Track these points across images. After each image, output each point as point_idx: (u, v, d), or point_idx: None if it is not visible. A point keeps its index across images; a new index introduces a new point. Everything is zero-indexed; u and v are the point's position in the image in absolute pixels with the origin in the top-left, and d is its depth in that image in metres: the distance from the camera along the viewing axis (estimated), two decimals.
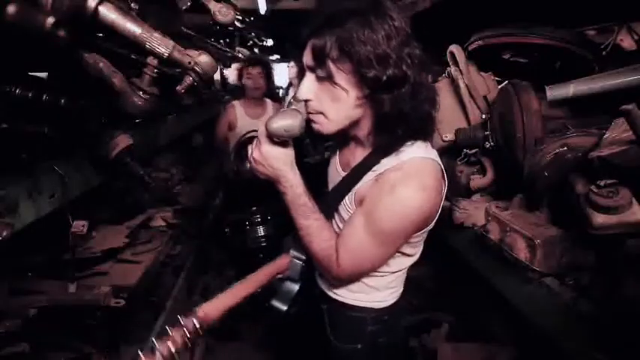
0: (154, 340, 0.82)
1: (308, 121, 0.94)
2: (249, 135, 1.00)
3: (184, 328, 0.85)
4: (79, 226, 1.30)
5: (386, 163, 0.95)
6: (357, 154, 1.03)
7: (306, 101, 0.93)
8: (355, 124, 0.96)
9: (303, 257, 1.11)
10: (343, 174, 1.05)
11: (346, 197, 1.02)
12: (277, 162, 0.94)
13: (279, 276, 1.12)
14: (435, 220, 0.99)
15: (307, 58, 0.90)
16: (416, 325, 2.05)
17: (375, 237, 0.93)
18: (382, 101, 0.87)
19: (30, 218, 0.93)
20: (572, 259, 1.26)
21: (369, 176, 0.97)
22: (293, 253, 1.13)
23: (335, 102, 0.90)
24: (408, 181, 0.89)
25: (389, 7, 0.87)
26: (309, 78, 0.92)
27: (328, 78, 0.88)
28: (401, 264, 1.08)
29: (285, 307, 1.08)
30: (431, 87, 0.94)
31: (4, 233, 0.80)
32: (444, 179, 0.97)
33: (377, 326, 1.13)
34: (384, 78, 0.83)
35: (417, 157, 0.92)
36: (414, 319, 2.03)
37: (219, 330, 2.51)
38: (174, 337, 0.82)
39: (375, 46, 0.82)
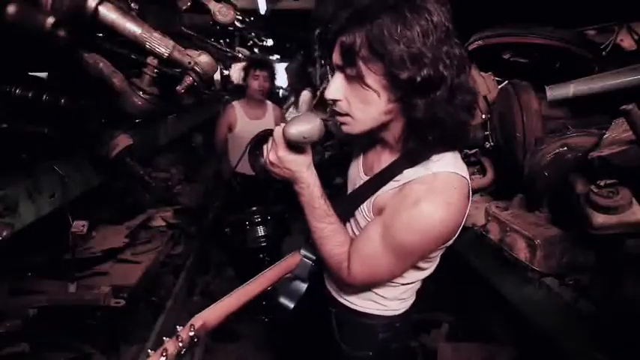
0: (149, 351, 0.81)
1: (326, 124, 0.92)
2: (263, 133, 0.96)
3: (179, 339, 0.83)
4: (79, 226, 1.30)
5: (411, 174, 0.89)
6: (383, 160, 0.97)
7: (334, 101, 0.88)
8: (384, 126, 0.89)
9: (313, 257, 1.10)
10: (365, 178, 1.01)
11: (365, 203, 0.98)
12: (294, 165, 0.91)
13: (288, 275, 1.11)
14: (455, 237, 0.93)
15: (336, 57, 0.84)
16: (416, 325, 2.05)
17: (391, 250, 0.88)
18: (415, 105, 0.80)
19: (30, 218, 0.93)
20: (572, 259, 1.26)
21: (392, 186, 0.92)
22: (303, 252, 1.11)
23: (365, 104, 0.84)
24: (432, 196, 0.84)
25: None
26: (338, 77, 0.86)
27: (358, 78, 0.81)
28: (414, 277, 1.03)
29: (292, 305, 1.05)
30: (470, 90, 0.86)
31: (4, 233, 0.81)
32: (469, 197, 0.90)
33: (388, 333, 1.10)
34: (419, 80, 0.76)
35: (445, 173, 0.86)
36: (414, 318, 2.03)
37: (220, 330, 2.51)
38: (167, 348, 0.81)
39: (409, 44, 0.75)
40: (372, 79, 0.81)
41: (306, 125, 0.85)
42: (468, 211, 0.90)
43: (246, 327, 2.52)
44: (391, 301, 1.07)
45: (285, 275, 1.11)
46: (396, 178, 0.91)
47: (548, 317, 1.25)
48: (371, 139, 1.01)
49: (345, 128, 0.91)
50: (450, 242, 0.94)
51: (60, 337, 1.37)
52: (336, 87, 0.86)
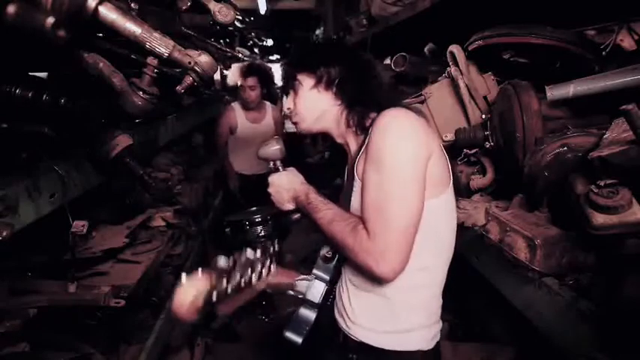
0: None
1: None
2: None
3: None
4: (79, 226, 1.30)
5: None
6: (355, 152, 1.11)
7: (289, 110, 1.15)
8: (329, 121, 1.12)
9: (327, 278, 1.08)
10: (352, 178, 1.09)
11: (354, 185, 1.05)
12: (284, 183, 1.11)
13: (300, 277, 1.13)
14: (433, 151, 0.98)
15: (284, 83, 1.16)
16: None
17: (392, 180, 0.93)
18: (327, 74, 1.08)
19: (30, 218, 0.93)
20: (572, 259, 1.26)
21: (363, 150, 1.04)
22: (316, 272, 1.09)
23: (300, 98, 1.12)
24: (392, 119, 0.98)
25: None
26: (288, 96, 1.16)
27: (293, 86, 1.13)
28: (427, 260, 1.01)
29: (300, 340, 1.02)
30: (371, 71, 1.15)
31: (4, 233, 0.80)
32: (421, 122, 1.03)
33: None
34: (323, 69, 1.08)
35: (393, 109, 1.02)
36: None
37: (219, 330, 2.51)
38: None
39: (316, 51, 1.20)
40: (302, 81, 1.11)
41: (267, 146, 1.16)
42: (426, 131, 1.01)
43: (246, 327, 2.52)
44: (408, 313, 1.02)
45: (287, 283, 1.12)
46: (364, 146, 1.04)
47: (548, 317, 1.25)
48: (342, 151, 1.19)
49: (297, 128, 1.17)
50: (432, 150, 0.98)
51: (60, 337, 1.37)
52: (288, 100, 1.16)
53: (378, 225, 0.92)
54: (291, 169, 1.17)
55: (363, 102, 1.08)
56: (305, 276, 1.15)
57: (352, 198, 1.07)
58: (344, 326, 1.09)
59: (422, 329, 1.04)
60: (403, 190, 0.94)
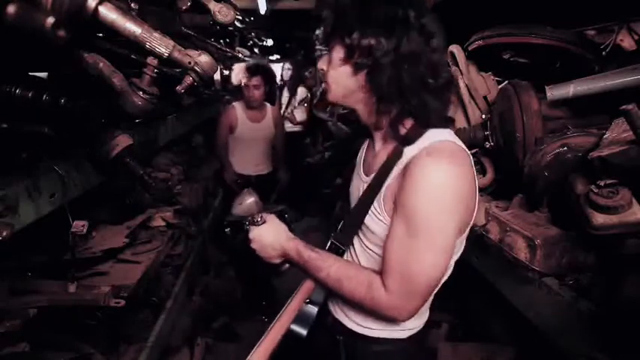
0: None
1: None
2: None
3: None
4: (79, 226, 1.30)
5: (411, 151, 0.89)
6: (380, 156, 0.98)
7: (322, 70, 1.04)
8: (359, 104, 0.97)
9: None
10: (367, 179, 0.99)
11: (374, 203, 0.94)
12: (267, 238, 1.03)
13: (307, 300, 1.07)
14: (474, 214, 0.91)
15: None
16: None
17: (420, 236, 0.83)
18: (362, 65, 0.88)
19: (30, 218, 0.93)
20: (572, 259, 1.26)
21: (396, 171, 0.91)
22: None
23: (334, 70, 0.95)
24: (437, 162, 0.84)
25: None
26: (325, 55, 1.03)
27: (330, 51, 0.96)
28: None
29: (305, 332, 1.00)
30: (432, 63, 0.88)
31: (4, 233, 0.80)
32: (472, 166, 0.90)
33: (402, 358, 1.03)
34: (362, 44, 0.86)
35: (445, 141, 0.88)
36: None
37: (219, 330, 2.51)
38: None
39: (364, 9, 0.87)
40: (335, 49, 0.93)
41: (239, 204, 1.11)
42: (476, 180, 0.90)
43: (246, 327, 2.53)
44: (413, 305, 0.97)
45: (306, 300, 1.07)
46: (399, 162, 0.91)
47: (548, 317, 1.25)
48: (365, 136, 1.06)
49: (327, 96, 1.01)
50: (472, 221, 0.92)
51: (60, 337, 1.37)
52: (322, 60, 1.04)
53: (403, 287, 0.86)
54: (271, 218, 1.06)
55: (400, 104, 0.90)
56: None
57: (362, 203, 0.97)
58: (332, 310, 1.11)
59: (412, 322, 1.03)
60: (436, 259, 0.86)
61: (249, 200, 1.11)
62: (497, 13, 1.63)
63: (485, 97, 1.83)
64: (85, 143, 1.18)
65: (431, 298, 1.01)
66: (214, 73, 1.20)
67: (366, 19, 0.86)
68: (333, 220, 1.20)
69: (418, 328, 1.05)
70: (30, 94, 0.89)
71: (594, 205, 1.09)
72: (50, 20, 0.76)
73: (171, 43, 1.07)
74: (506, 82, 1.66)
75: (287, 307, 1.02)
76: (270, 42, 6.13)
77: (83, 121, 1.08)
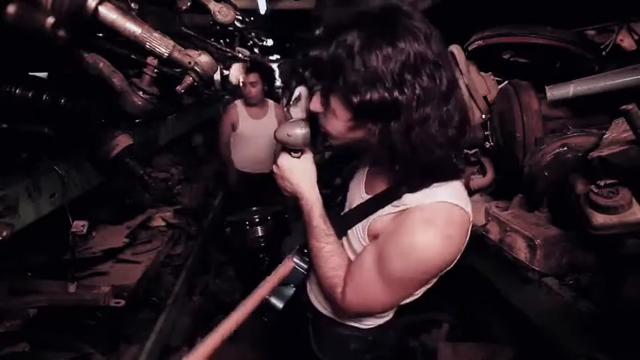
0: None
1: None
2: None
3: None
4: (79, 226, 1.30)
5: (411, 200, 0.85)
6: (384, 181, 0.95)
7: (316, 113, 0.90)
8: (366, 146, 0.88)
9: (306, 267, 1.09)
10: (365, 197, 0.98)
11: (360, 224, 0.95)
12: (293, 175, 0.98)
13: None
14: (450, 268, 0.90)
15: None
16: (416, 325, 2.05)
17: (384, 279, 0.85)
18: (369, 130, 0.79)
19: (30, 218, 0.93)
20: (572, 259, 1.26)
21: (390, 210, 0.89)
22: (296, 260, 1.11)
23: (332, 119, 0.85)
24: (430, 227, 0.80)
25: (406, 22, 0.75)
26: (318, 92, 0.88)
27: (325, 94, 0.84)
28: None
29: (281, 305, 1.07)
30: (447, 123, 0.78)
31: (4, 233, 0.80)
32: (468, 231, 0.87)
33: (360, 345, 1.10)
34: (366, 101, 0.74)
35: (446, 204, 0.82)
36: (414, 319, 2.04)
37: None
38: None
39: (365, 66, 0.73)
40: (333, 95, 0.82)
41: (289, 128, 0.95)
42: (465, 244, 0.87)
43: (246, 327, 2.52)
44: (365, 316, 1.06)
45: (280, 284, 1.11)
46: (395, 202, 0.88)
47: (548, 317, 1.25)
48: (373, 158, 1.01)
49: (330, 141, 0.92)
50: (443, 272, 0.91)
51: (60, 337, 1.37)
52: (315, 100, 0.89)
53: (359, 302, 0.92)
54: (307, 157, 0.99)
55: (412, 164, 0.81)
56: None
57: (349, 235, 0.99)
58: (308, 289, 1.18)
59: (371, 320, 1.08)
60: (393, 300, 0.93)
61: (299, 131, 0.94)
62: (497, 13, 1.63)
63: (485, 97, 1.83)
64: (85, 143, 1.18)
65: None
66: (214, 73, 1.20)
67: (373, 75, 0.73)
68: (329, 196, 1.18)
69: (379, 323, 1.09)
70: (30, 94, 0.89)
71: (594, 205, 1.09)
72: (50, 20, 0.76)
73: (171, 43, 1.07)
74: (506, 82, 1.66)
75: (258, 289, 1.06)
76: (270, 42, 6.13)
77: (83, 121, 1.08)
